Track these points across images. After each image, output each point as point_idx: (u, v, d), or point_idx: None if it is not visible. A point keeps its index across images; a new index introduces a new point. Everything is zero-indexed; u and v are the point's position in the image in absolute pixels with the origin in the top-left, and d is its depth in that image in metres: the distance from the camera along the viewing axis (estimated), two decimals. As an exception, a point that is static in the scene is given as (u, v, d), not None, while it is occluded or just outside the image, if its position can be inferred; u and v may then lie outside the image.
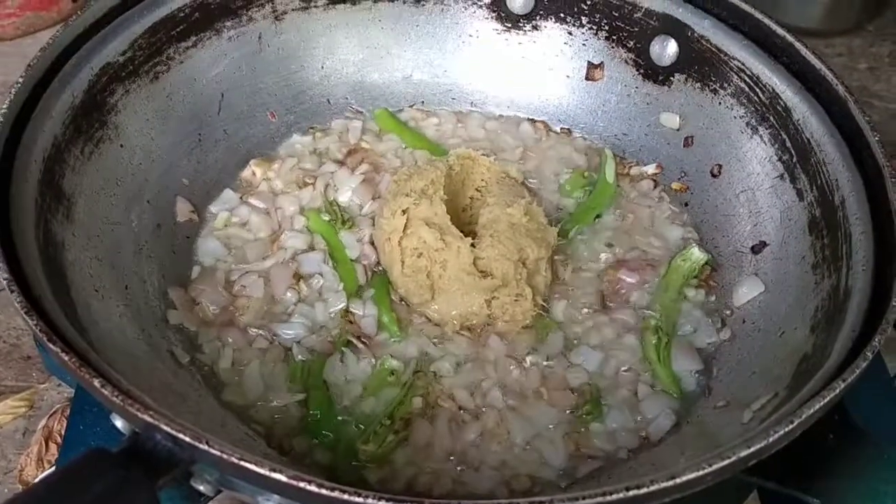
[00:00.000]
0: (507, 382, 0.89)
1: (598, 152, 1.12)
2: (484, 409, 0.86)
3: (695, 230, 1.04)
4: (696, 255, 0.99)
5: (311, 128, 1.12)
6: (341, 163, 1.08)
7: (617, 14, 1.08)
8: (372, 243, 0.99)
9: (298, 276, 0.96)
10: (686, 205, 1.07)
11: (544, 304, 0.95)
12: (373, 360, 0.89)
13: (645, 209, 1.06)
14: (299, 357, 0.89)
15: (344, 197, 1.04)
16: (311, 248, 0.99)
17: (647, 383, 0.90)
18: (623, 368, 0.91)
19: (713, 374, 0.91)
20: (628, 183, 1.10)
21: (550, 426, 0.86)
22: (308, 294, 0.94)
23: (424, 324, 0.93)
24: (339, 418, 0.85)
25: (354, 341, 0.90)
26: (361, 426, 0.84)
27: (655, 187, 1.09)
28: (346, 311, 0.93)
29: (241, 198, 1.03)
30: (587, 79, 1.13)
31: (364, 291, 0.95)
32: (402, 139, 1.12)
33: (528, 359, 0.91)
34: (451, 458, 0.83)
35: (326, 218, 1.01)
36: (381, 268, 0.98)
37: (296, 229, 1.00)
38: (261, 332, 0.91)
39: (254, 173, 1.06)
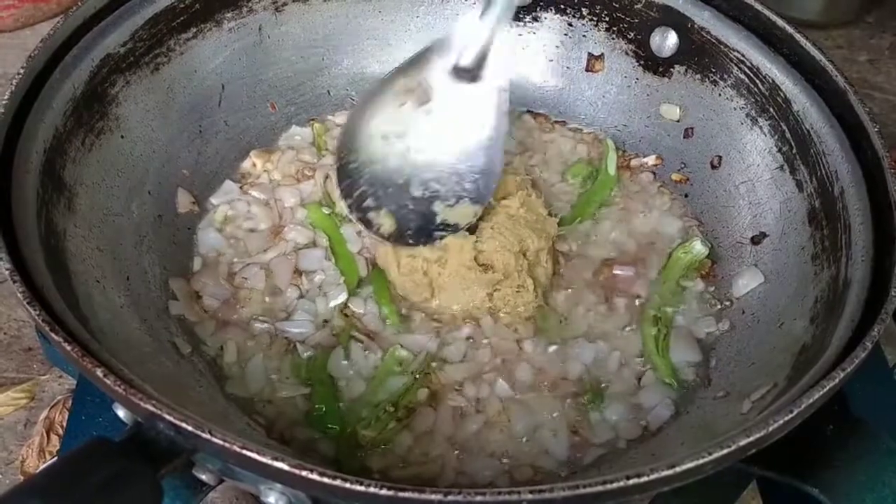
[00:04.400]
0: (510, 372, 0.89)
1: (599, 144, 1.12)
2: (486, 399, 0.86)
3: (695, 221, 1.04)
4: (698, 247, 0.99)
5: (311, 119, 1.12)
6: (340, 155, 1.08)
7: (617, 5, 1.08)
8: (372, 236, 0.99)
9: (300, 272, 0.96)
10: (686, 196, 1.07)
11: (545, 295, 0.95)
12: (377, 353, 0.89)
13: (645, 201, 1.06)
14: (306, 354, 0.89)
15: (343, 190, 1.04)
16: (313, 243, 0.98)
17: (647, 373, 0.90)
18: (622, 359, 0.91)
19: (712, 365, 0.91)
20: (628, 174, 1.10)
21: (551, 416, 0.86)
22: (310, 289, 0.94)
23: (426, 315, 0.93)
24: (344, 411, 0.85)
25: (358, 336, 0.90)
26: (365, 417, 0.84)
27: (655, 179, 1.09)
28: (347, 305, 0.93)
29: (241, 189, 1.03)
30: (587, 70, 1.13)
31: (365, 286, 0.95)
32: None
33: (530, 349, 0.91)
34: (453, 447, 0.83)
35: (327, 211, 1.01)
36: (380, 260, 0.98)
37: (297, 223, 1.00)
38: (263, 324, 0.91)
39: (254, 164, 1.06)
